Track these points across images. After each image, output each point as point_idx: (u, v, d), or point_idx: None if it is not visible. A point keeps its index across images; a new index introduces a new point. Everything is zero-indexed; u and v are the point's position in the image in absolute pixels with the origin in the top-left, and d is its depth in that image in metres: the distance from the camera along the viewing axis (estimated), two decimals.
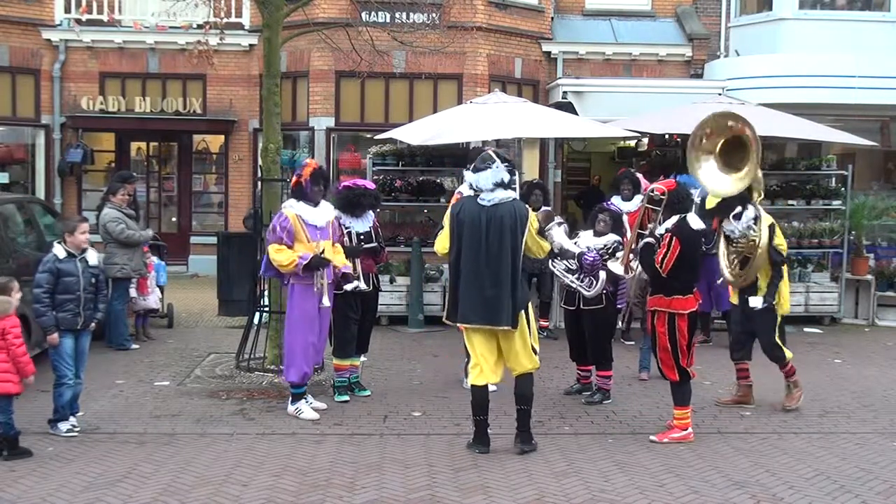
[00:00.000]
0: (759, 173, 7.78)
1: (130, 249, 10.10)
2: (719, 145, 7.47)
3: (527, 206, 6.71)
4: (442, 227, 6.71)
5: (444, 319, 6.93)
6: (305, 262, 7.23)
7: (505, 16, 16.53)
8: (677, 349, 6.85)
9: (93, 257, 7.00)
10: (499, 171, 6.38)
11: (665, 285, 6.84)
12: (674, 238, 6.77)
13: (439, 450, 6.65)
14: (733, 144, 7.44)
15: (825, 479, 6.14)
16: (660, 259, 6.77)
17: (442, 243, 6.62)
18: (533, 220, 6.52)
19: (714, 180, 7.50)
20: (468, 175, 6.57)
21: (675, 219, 6.90)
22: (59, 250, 6.83)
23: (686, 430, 6.92)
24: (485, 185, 6.39)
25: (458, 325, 6.55)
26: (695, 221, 6.89)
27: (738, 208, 7.58)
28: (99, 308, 7.05)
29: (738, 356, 7.95)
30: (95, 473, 6.06)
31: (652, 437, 6.93)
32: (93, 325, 7.02)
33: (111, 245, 10.05)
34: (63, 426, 6.86)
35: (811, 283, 12.19)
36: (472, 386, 6.55)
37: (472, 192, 6.53)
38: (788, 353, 7.77)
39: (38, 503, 5.58)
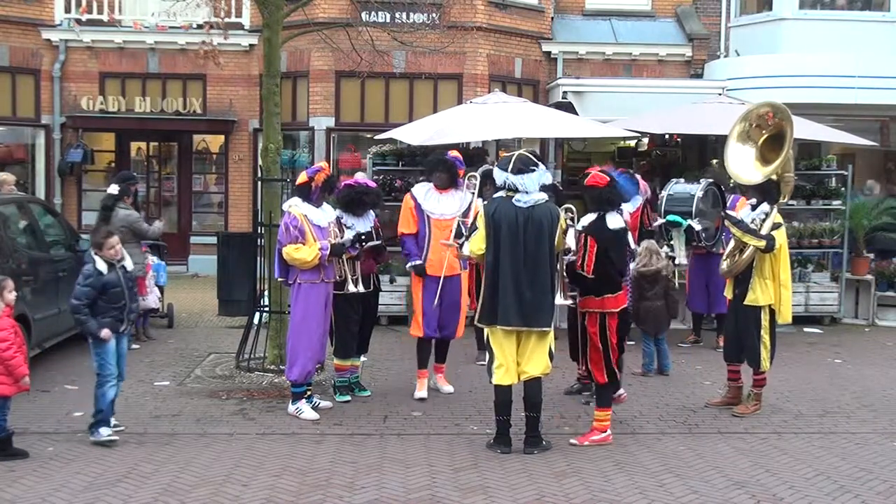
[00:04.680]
0: (791, 174, 7.88)
1: (139, 248, 10.16)
2: (763, 138, 7.71)
3: (558, 206, 6.69)
4: (476, 229, 6.67)
5: (476, 322, 6.89)
6: (328, 251, 7.26)
7: (505, 16, 16.53)
8: (608, 348, 6.80)
9: (130, 263, 6.89)
10: (544, 174, 6.44)
11: (594, 286, 6.75)
12: (588, 237, 6.73)
13: (439, 450, 6.65)
14: (774, 140, 7.66)
15: (825, 479, 6.14)
16: (580, 263, 6.73)
17: (477, 244, 6.55)
18: (563, 220, 6.56)
19: (742, 166, 7.70)
20: (509, 177, 6.44)
21: (591, 217, 6.82)
22: (101, 264, 6.62)
23: (605, 432, 6.86)
24: (531, 187, 6.40)
25: (496, 327, 6.48)
26: (613, 221, 6.77)
27: (756, 200, 7.76)
28: (133, 309, 6.95)
29: (731, 358, 7.89)
30: (95, 473, 6.06)
31: (572, 441, 6.86)
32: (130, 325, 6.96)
33: (129, 245, 10.05)
34: (104, 431, 6.64)
35: (811, 283, 12.18)
36: (496, 386, 6.53)
37: (503, 194, 6.51)
38: (766, 364, 7.63)
39: (38, 503, 5.57)
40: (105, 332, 6.57)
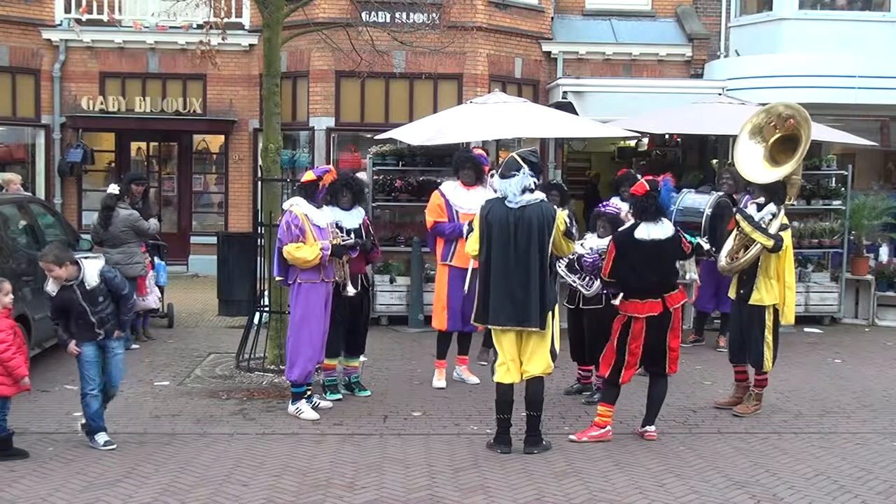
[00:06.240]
0: (799, 178, 7.90)
1: (139, 248, 10.17)
2: (775, 137, 7.75)
3: (554, 206, 6.75)
4: (472, 230, 6.77)
5: (472, 321, 7.01)
6: (329, 252, 7.26)
7: (505, 16, 16.53)
8: (625, 349, 6.83)
9: (92, 278, 6.50)
10: (525, 178, 6.47)
11: (623, 288, 6.91)
12: (611, 242, 6.94)
13: (439, 450, 6.65)
14: (786, 141, 7.69)
15: (825, 479, 6.15)
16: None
17: (472, 245, 6.72)
18: (560, 221, 6.57)
19: (750, 163, 7.78)
20: (495, 181, 6.65)
21: (627, 225, 6.99)
22: (50, 286, 6.50)
23: (604, 427, 6.88)
24: (512, 191, 6.46)
25: (489, 326, 6.61)
26: (643, 231, 6.79)
27: (763, 200, 7.76)
28: (123, 318, 6.76)
29: (737, 359, 7.90)
30: (95, 473, 6.06)
31: (571, 437, 6.89)
32: (117, 332, 6.67)
33: (132, 244, 10.04)
34: (100, 438, 6.60)
35: (811, 283, 12.17)
36: (498, 384, 6.57)
37: (498, 195, 6.59)
38: (768, 365, 7.64)
39: (38, 503, 5.58)
40: (70, 348, 6.53)
